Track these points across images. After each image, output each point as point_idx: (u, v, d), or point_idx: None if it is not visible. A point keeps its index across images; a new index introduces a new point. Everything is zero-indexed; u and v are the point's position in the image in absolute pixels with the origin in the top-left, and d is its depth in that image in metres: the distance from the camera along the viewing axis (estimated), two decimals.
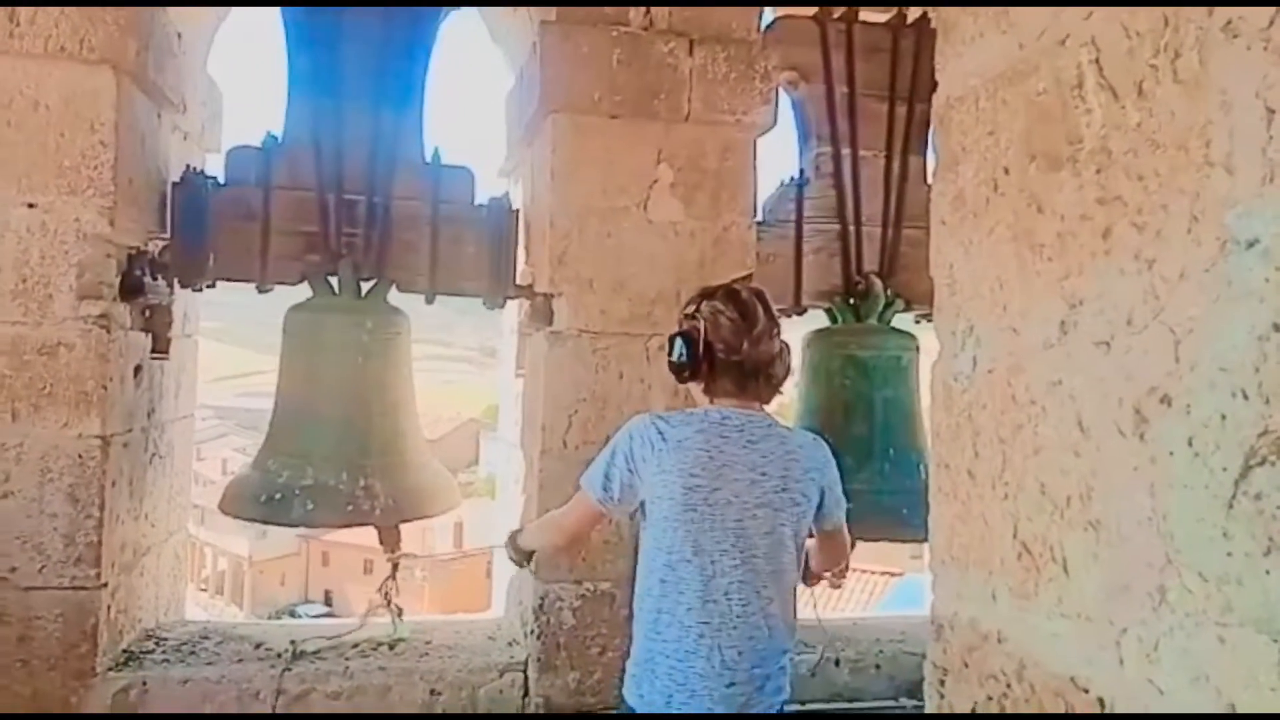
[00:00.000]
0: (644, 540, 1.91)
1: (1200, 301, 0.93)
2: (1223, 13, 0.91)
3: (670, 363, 1.94)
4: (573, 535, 2.12)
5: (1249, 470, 0.86)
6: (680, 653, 1.81)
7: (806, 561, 2.06)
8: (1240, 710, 0.87)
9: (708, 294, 1.94)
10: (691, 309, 1.94)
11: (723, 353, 1.87)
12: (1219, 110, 0.91)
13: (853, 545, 2.92)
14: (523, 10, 3.04)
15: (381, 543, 2.81)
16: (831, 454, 1.99)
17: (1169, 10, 0.98)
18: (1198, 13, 0.94)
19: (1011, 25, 1.27)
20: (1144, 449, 0.99)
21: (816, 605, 2.44)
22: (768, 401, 1.95)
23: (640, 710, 1.87)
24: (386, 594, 2.83)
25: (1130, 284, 1.02)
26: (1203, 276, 0.92)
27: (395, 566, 2.83)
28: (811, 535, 2.02)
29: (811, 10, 3.13)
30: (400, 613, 2.87)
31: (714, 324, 1.88)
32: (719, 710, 1.80)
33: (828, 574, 2.20)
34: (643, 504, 1.89)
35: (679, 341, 1.91)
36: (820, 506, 1.95)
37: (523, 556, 2.20)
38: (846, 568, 2.88)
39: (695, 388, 1.94)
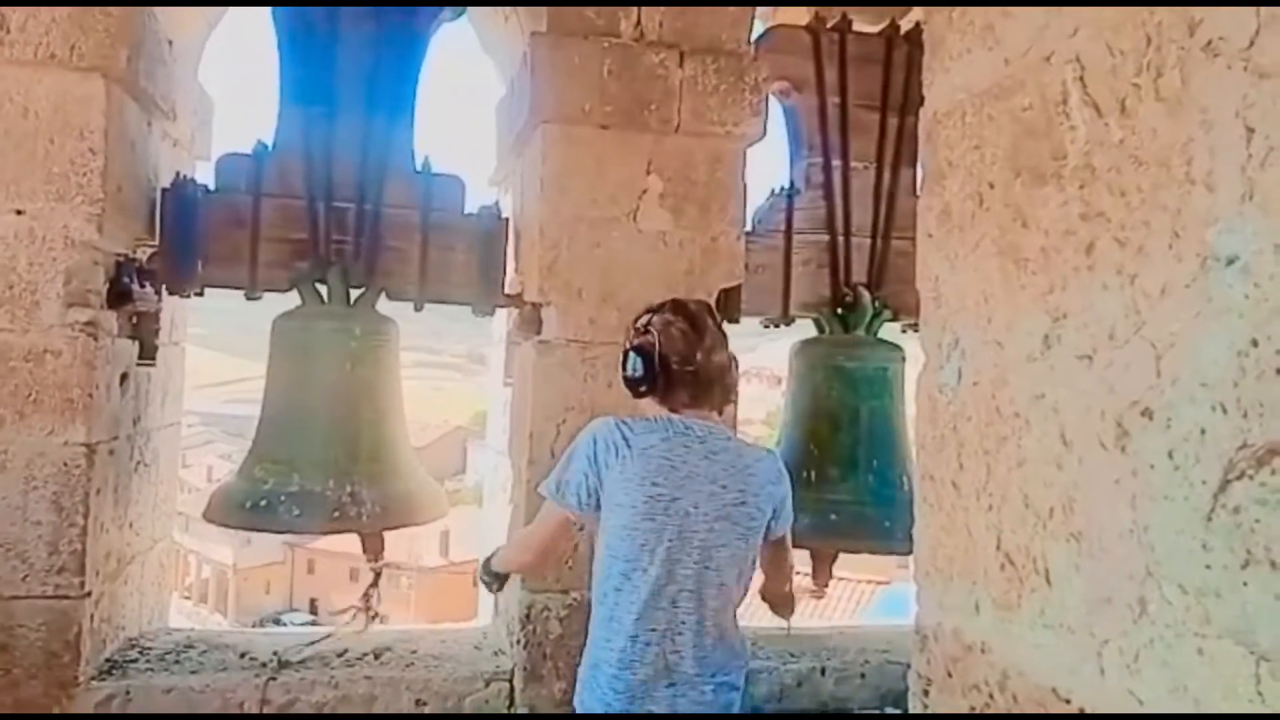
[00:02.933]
0: (599, 545, 1.92)
1: (1181, 317, 0.94)
2: (1204, 33, 0.93)
3: (625, 378, 1.95)
4: (543, 550, 2.11)
5: (1228, 484, 0.87)
6: (625, 660, 1.82)
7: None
8: None
9: (655, 308, 1.95)
10: (642, 323, 1.95)
11: (677, 364, 1.88)
12: (1200, 128, 0.93)
13: (834, 557, 2.95)
14: (513, 21, 3.05)
15: (365, 550, 2.80)
16: (785, 469, 2.01)
17: (1151, 29, 0.99)
18: (1179, 32, 0.96)
19: (998, 42, 1.28)
20: (1125, 462, 1.00)
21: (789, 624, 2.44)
22: (722, 411, 1.97)
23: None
24: (369, 602, 2.82)
25: (1113, 299, 1.03)
26: (1184, 292, 0.94)
27: (378, 574, 2.82)
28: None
29: (804, 20, 3.14)
30: (376, 618, 2.85)
31: (666, 336, 1.89)
32: (658, 710, 1.82)
33: (782, 596, 2.21)
34: (599, 507, 1.89)
35: (633, 356, 1.92)
36: (769, 522, 1.95)
37: (496, 580, 2.19)
38: (827, 576, 2.89)
39: (650, 401, 1.94)
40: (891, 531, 2.64)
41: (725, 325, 2.06)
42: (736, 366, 1.98)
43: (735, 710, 1.91)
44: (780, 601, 2.23)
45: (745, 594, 1.98)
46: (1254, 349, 0.85)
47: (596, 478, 1.86)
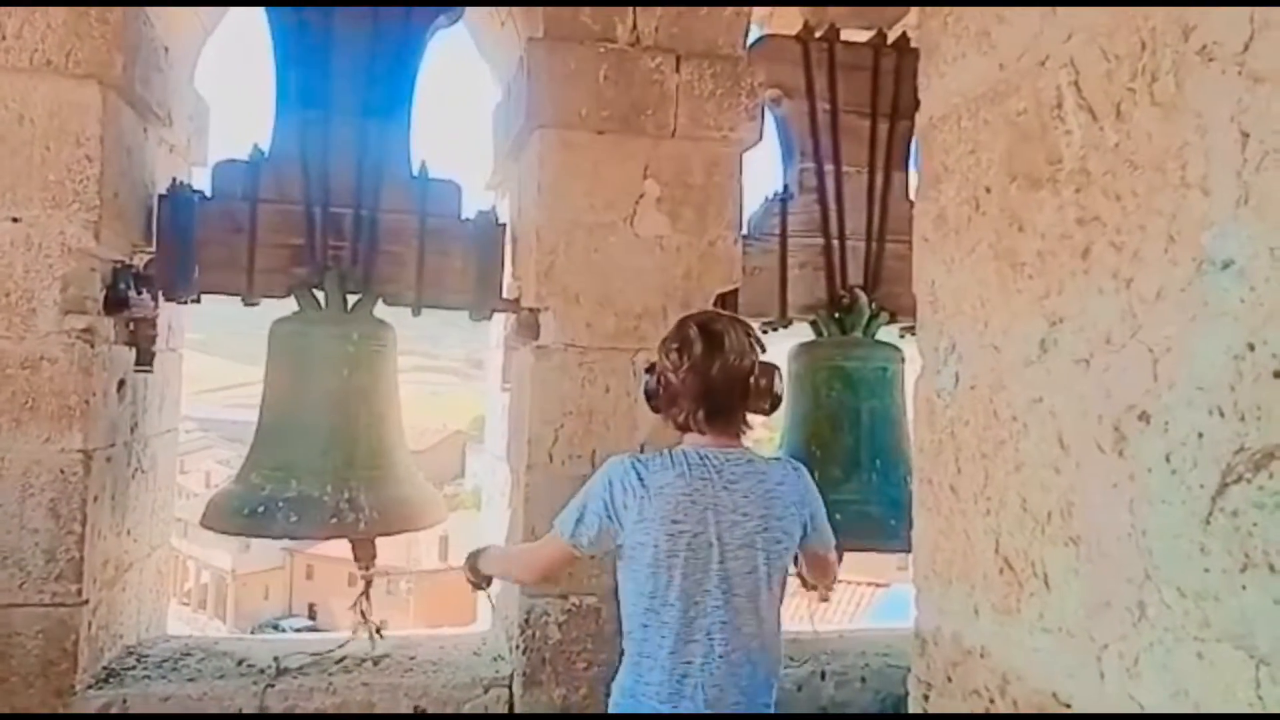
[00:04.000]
0: (623, 581, 1.91)
1: (1177, 320, 0.94)
2: (1198, 38, 0.93)
3: (645, 394, 2.00)
4: (541, 574, 2.13)
5: (1225, 487, 0.87)
6: (664, 694, 1.82)
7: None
8: None
9: (678, 323, 1.97)
10: (661, 342, 1.97)
11: (675, 386, 1.89)
12: (1195, 133, 0.93)
13: (840, 558, 2.95)
14: (509, 26, 3.05)
15: (356, 558, 2.79)
16: (812, 481, 2.00)
17: (1146, 34, 1.00)
18: (1174, 37, 0.96)
19: (993, 46, 1.29)
20: (1123, 465, 1.00)
21: (812, 618, 2.46)
22: (736, 433, 1.93)
23: None
24: (362, 610, 2.81)
25: (1109, 303, 1.03)
26: (1179, 296, 0.94)
27: (369, 582, 2.81)
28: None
29: (795, 29, 3.15)
30: (379, 629, 2.85)
31: (662, 363, 1.92)
32: None
33: (819, 584, 2.23)
34: (619, 546, 1.88)
35: (645, 374, 1.98)
36: (804, 538, 1.95)
37: (480, 579, 2.19)
38: (832, 582, 2.91)
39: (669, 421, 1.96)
40: (896, 530, 2.63)
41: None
42: (767, 375, 1.93)
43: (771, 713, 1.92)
44: (814, 587, 2.26)
45: (780, 605, 1.96)
46: (1250, 353, 0.85)
47: (613, 521, 1.85)
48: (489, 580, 2.21)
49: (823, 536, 2.01)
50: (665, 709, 1.81)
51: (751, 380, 1.89)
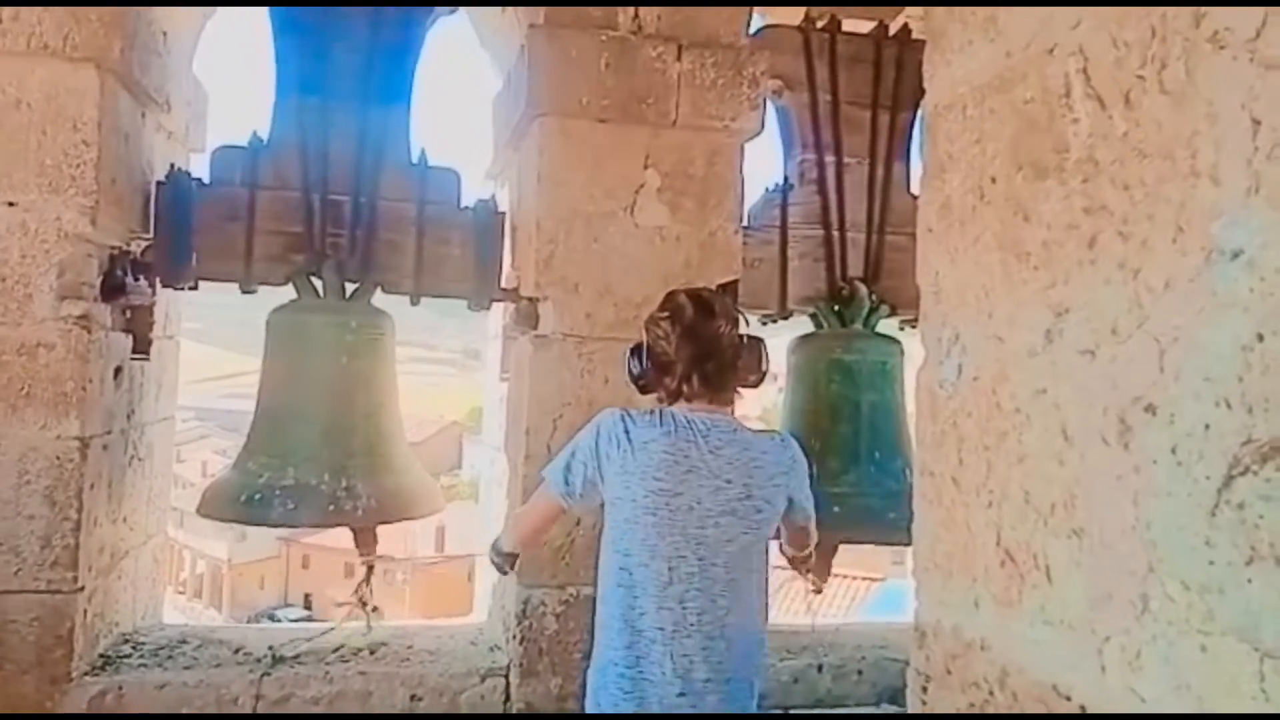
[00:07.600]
0: (604, 542, 1.90)
1: (1185, 311, 0.93)
2: (1209, 24, 0.92)
3: (630, 376, 1.98)
4: (533, 530, 2.12)
5: (1231, 479, 0.86)
6: (632, 658, 1.79)
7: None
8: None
9: (661, 302, 1.98)
10: (646, 319, 1.98)
11: (666, 361, 1.88)
12: (1205, 121, 0.92)
13: (835, 549, 2.95)
14: (510, 13, 3.03)
15: (357, 544, 2.79)
16: (801, 452, 1.98)
17: (1156, 21, 0.99)
18: (1184, 24, 0.95)
19: (1000, 34, 1.27)
20: (1128, 457, 1.00)
21: (811, 611, 2.46)
22: (727, 401, 1.93)
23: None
24: (362, 597, 2.81)
25: (1115, 293, 1.02)
26: (1187, 286, 0.93)
27: (370, 568, 2.81)
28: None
29: (796, 19, 3.14)
30: (375, 610, 2.85)
31: (653, 335, 1.91)
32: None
33: (798, 557, 2.25)
34: (603, 504, 1.88)
35: (629, 355, 1.97)
36: (788, 510, 1.95)
37: (506, 560, 2.19)
38: (827, 572, 2.90)
39: (655, 397, 1.95)
40: (895, 523, 2.63)
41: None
42: (755, 348, 1.95)
43: (751, 709, 1.89)
44: (799, 563, 2.28)
45: (764, 592, 1.94)
46: (1259, 344, 0.85)
47: (597, 470, 1.85)
48: (514, 561, 2.18)
49: (804, 508, 2.00)
50: (628, 677, 1.78)
51: (742, 350, 1.92)
